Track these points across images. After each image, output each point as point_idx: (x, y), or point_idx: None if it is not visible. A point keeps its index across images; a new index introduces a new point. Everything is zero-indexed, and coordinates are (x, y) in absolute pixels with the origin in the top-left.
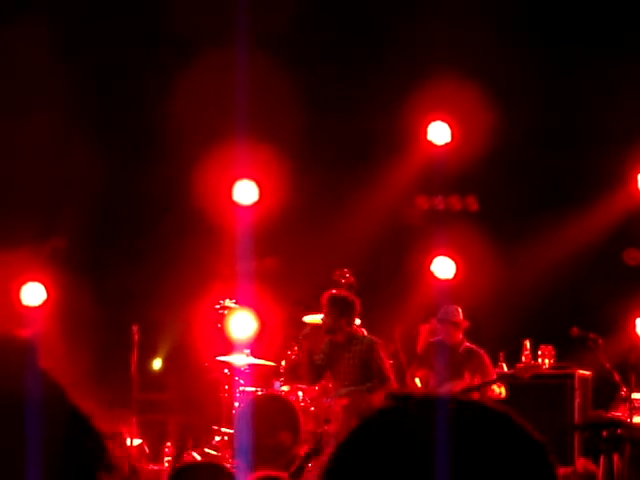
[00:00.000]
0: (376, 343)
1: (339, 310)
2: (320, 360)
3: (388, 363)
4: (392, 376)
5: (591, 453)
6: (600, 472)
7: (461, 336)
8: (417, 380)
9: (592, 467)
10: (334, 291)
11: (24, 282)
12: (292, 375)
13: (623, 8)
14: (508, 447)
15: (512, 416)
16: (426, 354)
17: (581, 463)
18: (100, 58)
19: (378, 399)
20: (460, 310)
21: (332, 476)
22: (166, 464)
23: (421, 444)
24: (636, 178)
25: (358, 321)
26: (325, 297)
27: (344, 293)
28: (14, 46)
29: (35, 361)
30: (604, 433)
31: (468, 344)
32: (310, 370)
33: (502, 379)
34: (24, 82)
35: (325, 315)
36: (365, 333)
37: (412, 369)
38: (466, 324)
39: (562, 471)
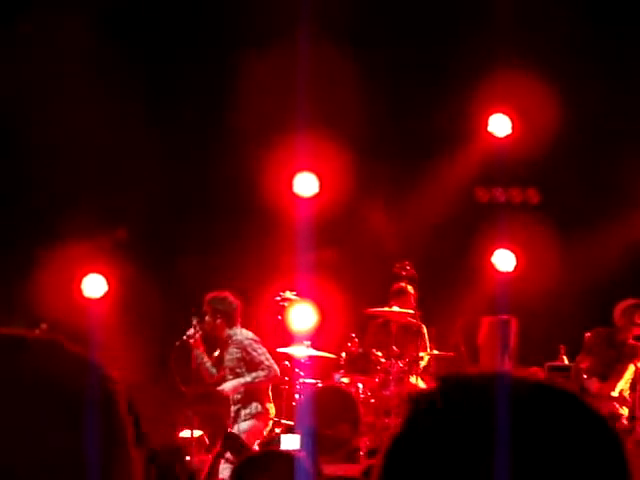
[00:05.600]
0: (243, 340)
1: (212, 311)
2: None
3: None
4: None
5: None
6: None
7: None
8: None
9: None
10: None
11: (85, 274)
12: (352, 367)
13: None
14: (573, 428)
15: (576, 395)
16: (592, 343)
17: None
18: (160, 51)
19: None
20: None
21: (390, 471)
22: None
23: (477, 429)
24: None
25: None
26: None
27: (222, 294)
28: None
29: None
30: None
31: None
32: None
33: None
34: (75, 71)
35: None
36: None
37: (579, 359)
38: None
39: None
